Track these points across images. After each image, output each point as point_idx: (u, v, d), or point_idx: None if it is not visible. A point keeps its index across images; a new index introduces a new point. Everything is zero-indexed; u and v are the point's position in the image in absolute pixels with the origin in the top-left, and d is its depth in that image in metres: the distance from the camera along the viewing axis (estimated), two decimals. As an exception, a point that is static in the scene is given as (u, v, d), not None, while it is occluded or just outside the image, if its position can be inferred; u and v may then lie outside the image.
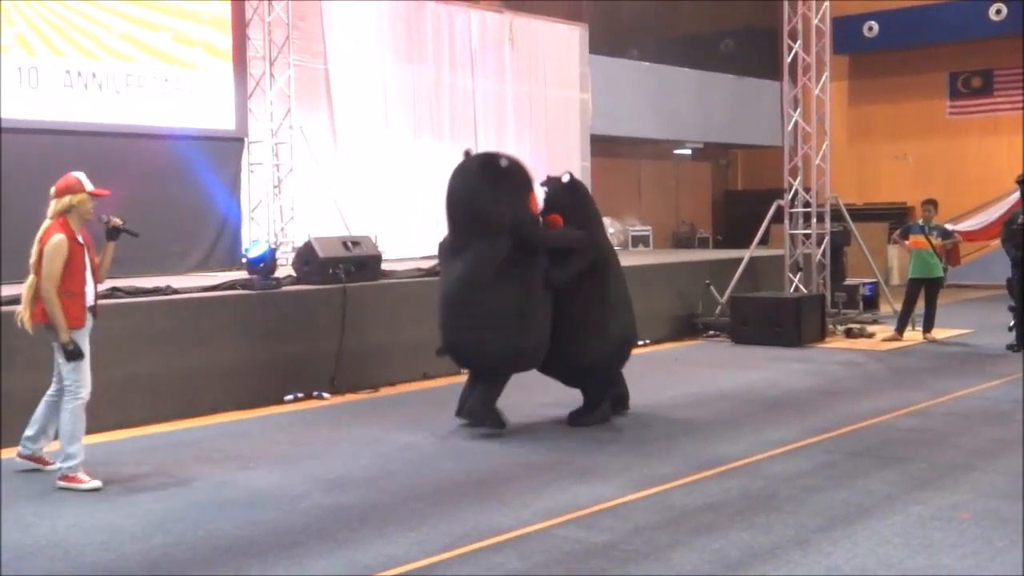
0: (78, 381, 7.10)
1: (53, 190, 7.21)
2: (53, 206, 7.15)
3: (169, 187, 12.92)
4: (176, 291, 9.90)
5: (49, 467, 7.38)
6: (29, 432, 7.41)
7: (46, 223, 7.13)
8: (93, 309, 7.28)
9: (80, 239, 7.16)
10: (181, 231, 13.19)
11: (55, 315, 6.97)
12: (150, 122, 13.08)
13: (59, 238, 7.00)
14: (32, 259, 7.09)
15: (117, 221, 7.48)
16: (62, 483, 7.04)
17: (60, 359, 7.12)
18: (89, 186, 7.21)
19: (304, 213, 14.56)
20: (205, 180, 13.56)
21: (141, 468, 7.59)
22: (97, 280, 7.37)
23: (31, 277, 7.10)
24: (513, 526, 6.04)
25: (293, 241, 13.92)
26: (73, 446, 7.06)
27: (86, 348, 7.14)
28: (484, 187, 8.77)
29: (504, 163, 8.93)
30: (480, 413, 8.63)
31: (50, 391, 7.36)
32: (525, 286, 8.67)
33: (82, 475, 7.06)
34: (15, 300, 7.68)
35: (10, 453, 7.64)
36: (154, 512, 6.46)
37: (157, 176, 12.76)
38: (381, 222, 14.92)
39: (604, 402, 9.11)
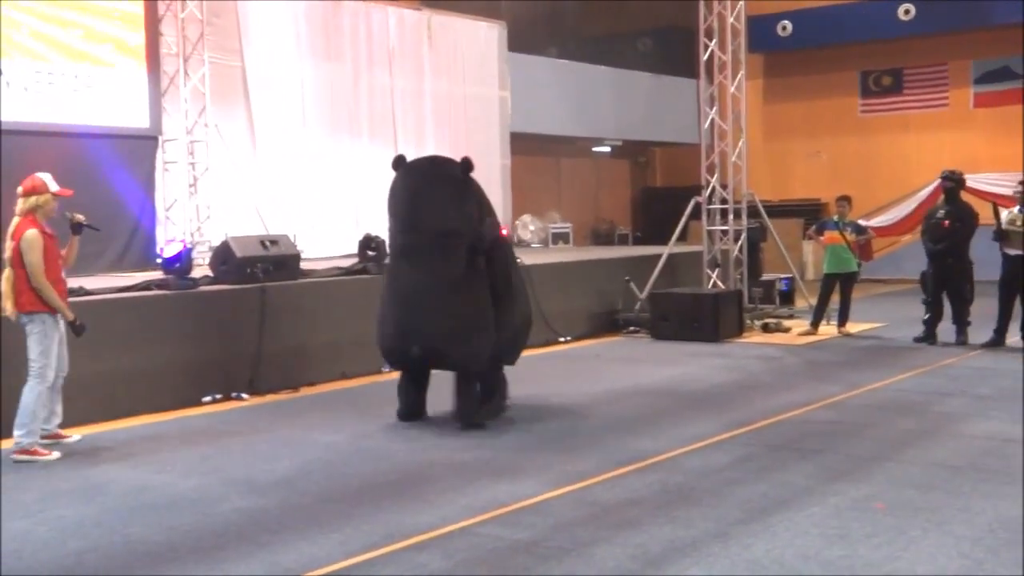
0: (47, 364, 7.83)
1: (20, 189, 7.98)
2: (20, 204, 7.94)
3: (81, 186, 12.36)
4: (89, 292, 9.71)
5: (67, 440, 8.22)
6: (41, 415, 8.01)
7: (15, 220, 7.91)
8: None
9: (49, 232, 7.95)
10: (93, 231, 12.90)
11: (54, 300, 7.79)
12: (61, 120, 12.81)
13: (33, 232, 7.78)
14: (7, 254, 7.86)
15: (80, 217, 8.32)
16: (21, 456, 7.73)
17: (34, 345, 7.77)
18: (54, 187, 8.03)
19: (221, 212, 14.37)
20: (118, 179, 13.32)
21: (55, 472, 7.44)
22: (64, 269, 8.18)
23: (7, 270, 7.84)
24: (436, 525, 6.02)
25: (210, 240, 13.73)
26: (35, 423, 7.81)
27: (61, 331, 7.97)
28: (459, 192, 8.90)
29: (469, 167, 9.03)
30: (476, 414, 8.74)
31: None
32: (487, 285, 8.84)
33: (41, 449, 7.83)
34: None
35: (8, 443, 7.99)
36: (68, 517, 6.32)
37: (68, 175, 12.21)
38: (299, 221, 14.79)
39: (494, 395, 9.20)
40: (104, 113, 13.33)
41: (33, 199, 7.92)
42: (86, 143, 12.98)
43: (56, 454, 7.84)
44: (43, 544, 5.84)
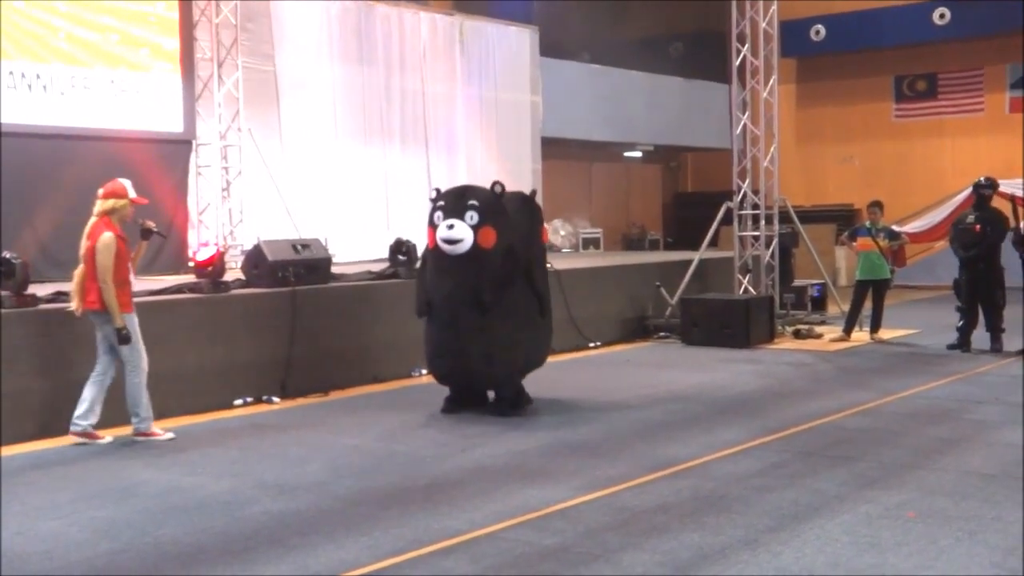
0: (138, 357, 8.26)
1: (101, 191, 8.34)
2: (99, 206, 8.29)
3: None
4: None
5: (100, 441, 8.33)
6: (79, 411, 8.30)
7: (92, 220, 8.24)
8: None
9: (124, 236, 8.30)
10: (126, 234, 13.01)
11: (112, 303, 8.04)
12: (96, 124, 12.92)
13: (110, 236, 8.12)
14: (82, 251, 8.21)
15: (151, 224, 8.76)
16: (140, 438, 8.37)
17: (115, 343, 8.18)
18: (133, 194, 8.42)
19: (253, 216, 14.46)
20: (152, 183, 13.38)
21: (87, 474, 7.50)
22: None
23: (80, 267, 8.20)
24: (464, 529, 6.03)
25: (242, 244, 13.82)
26: (145, 410, 8.37)
27: (137, 330, 8.27)
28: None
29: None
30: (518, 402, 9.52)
31: (95, 372, 8.35)
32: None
33: (156, 429, 8.44)
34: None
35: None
36: (100, 519, 6.37)
37: (103, 178, 12.40)
38: (331, 225, 14.86)
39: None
40: (139, 117, 13.44)
41: (112, 202, 8.29)
42: (121, 146, 13.08)
43: (170, 434, 8.48)
44: (75, 545, 5.89)
